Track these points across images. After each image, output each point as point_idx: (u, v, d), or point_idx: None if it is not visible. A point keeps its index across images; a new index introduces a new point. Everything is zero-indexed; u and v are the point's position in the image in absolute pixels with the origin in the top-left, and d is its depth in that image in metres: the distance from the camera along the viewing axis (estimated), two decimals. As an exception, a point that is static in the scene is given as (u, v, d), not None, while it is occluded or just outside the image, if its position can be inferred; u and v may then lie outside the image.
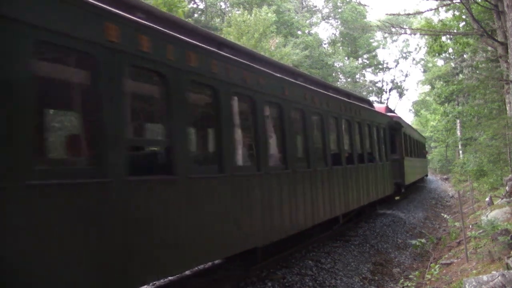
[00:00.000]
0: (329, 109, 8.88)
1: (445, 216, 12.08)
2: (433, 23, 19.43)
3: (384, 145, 13.21)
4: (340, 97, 9.86)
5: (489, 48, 17.94)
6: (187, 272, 6.65)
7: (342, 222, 10.06)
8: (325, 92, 8.96)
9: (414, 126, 40.39)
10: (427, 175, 32.57)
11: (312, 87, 8.27)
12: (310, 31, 43.69)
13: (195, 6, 35.99)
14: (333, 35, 52.16)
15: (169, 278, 6.26)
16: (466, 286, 4.96)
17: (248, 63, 5.94)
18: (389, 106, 23.67)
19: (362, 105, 11.62)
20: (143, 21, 4.12)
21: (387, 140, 13.77)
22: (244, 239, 5.43)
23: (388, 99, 55.35)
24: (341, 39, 50.19)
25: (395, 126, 16.04)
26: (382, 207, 14.98)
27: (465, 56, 23.89)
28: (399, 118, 18.48)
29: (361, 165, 10.56)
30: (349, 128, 10.00)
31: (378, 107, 16.18)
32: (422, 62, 53.80)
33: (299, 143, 7.74)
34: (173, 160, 4.39)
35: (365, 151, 10.89)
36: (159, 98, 4.77)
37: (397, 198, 17.38)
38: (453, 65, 28.27)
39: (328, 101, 8.83)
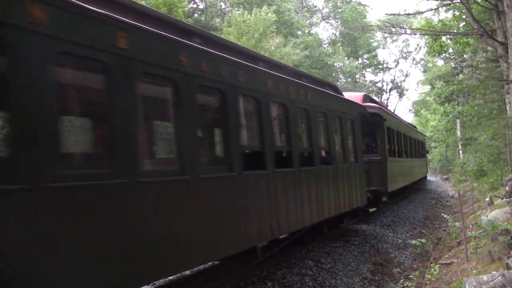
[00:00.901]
0: (242, 84, 5.85)
1: (445, 216, 12.09)
2: (433, 23, 19.42)
3: (352, 142, 10.05)
4: (270, 71, 6.73)
5: (489, 48, 17.93)
6: (187, 272, 6.66)
7: (262, 257, 6.96)
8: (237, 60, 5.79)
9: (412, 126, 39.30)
10: (426, 177, 30.47)
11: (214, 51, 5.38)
12: (310, 31, 43.69)
13: (195, 6, 36.01)
14: (333, 35, 52.22)
15: (169, 278, 6.26)
16: (466, 286, 4.96)
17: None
18: (374, 98, 18.32)
19: (313, 86, 8.25)
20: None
21: (358, 135, 10.33)
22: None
23: (388, 99, 55.41)
24: (341, 39, 50.21)
25: (372, 118, 12.56)
26: (361, 220, 12.19)
27: (465, 56, 23.89)
28: (382, 109, 14.42)
29: (307, 169, 7.46)
30: (285, 116, 6.93)
31: (353, 95, 12.86)
32: (422, 62, 53.83)
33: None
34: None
35: (315, 149, 7.86)
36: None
37: (372, 210, 13.54)
38: (453, 65, 28.27)
39: (239, 71, 5.72)
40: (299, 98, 7.39)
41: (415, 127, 28.34)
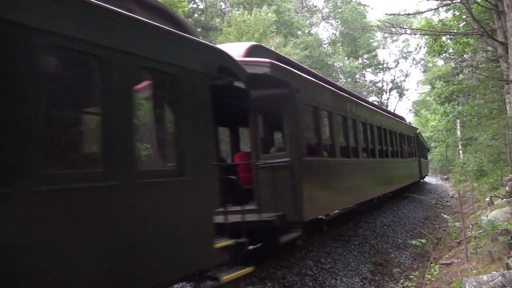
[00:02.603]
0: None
1: (445, 216, 12.11)
2: (433, 23, 19.43)
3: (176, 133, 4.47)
4: None
5: (489, 48, 17.92)
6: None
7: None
8: None
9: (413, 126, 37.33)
10: (419, 181, 24.33)
11: None
12: (310, 31, 43.71)
13: (195, 6, 35.99)
14: (333, 35, 52.23)
15: (169, 278, 6.25)
16: (466, 286, 4.96)
17: None
18: (283, 56, 9.40)
19: None
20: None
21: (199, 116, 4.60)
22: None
23: (388, 99, 55.42)
24: (341, 39, 50.24)
25: (268, 88, 7.05)
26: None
27: (465, 56, 23.87)
28: (294, 74, 7.50)
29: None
30: None
31: (236, 46, 8.17)
32: (422, 62, 53.86)
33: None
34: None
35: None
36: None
37: (226, 280, 5.12)
38: (453, 65, 28.25)
39: None
40: None
41: (403, 119, 21.79)
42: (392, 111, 34.77)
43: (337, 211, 10.49)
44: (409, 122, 23.95)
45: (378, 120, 13.02)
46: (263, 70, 6.47)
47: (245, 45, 7.59)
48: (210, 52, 4.76)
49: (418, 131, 23.91)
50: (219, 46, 7.06)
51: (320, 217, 8.40)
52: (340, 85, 16.19)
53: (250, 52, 7.17)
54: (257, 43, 8.80)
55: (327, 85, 9.28)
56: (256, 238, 6.47)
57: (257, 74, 6.34)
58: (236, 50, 6.96)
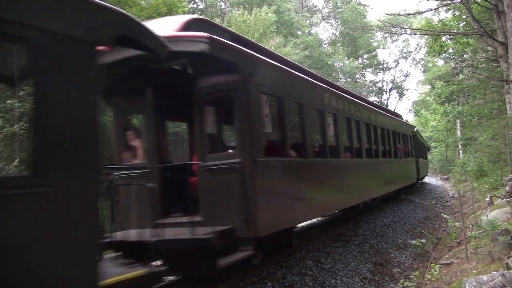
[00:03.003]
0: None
1: (445, 216, 12.11)
2: (433, 23, 19.43)
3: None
4: None
5: (489, 48, 17.92)
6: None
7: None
8: None
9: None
10: (418, 182, 23.63)
11: None
12: (310, 31, 43.71)
13: (195, 6, 35.98)
14: (333, 35, 52.23)
15: (169, 278, 6.26)
16: (466, 286, 4.96)
17: None
18: (234, 33, 7.52)
19: None
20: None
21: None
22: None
23: (388, 99, 55.43)
24: (341, 39, 50.24)
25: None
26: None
27: (465, 56, 23.88)
28: (246, 55, 5.96)
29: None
30: None
31: (172, 20, 6.60)
32: (422, 62, 53.88)
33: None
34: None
35: None
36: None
37: None
38: (453, 65, 28.25)
39: None
40: None
41: (399, 116, 20.58)
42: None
43: (312, 220, 9.40)
44: (406, 120, 22.47)
45: (367, 116, 11.66)
46: (199, 47, 4.97)
47: (183, 18, 6.12)
48: (101, 14, 3.21)
49: (415, 129, 22.65)
50: (152, 20, 6.45)
51: (288, 227, 6.83)
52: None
53: (189, 26, 5.63)
54: (201, 17, 7.16)
55: (297, 72, 7.79)
56: (181, 262, 5.37)
57: (191, 52, 5.04)
58: (170, 24, 5.75)
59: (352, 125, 10.24)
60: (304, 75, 8.38)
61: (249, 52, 6.04)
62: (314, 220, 11.31)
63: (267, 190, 5.97)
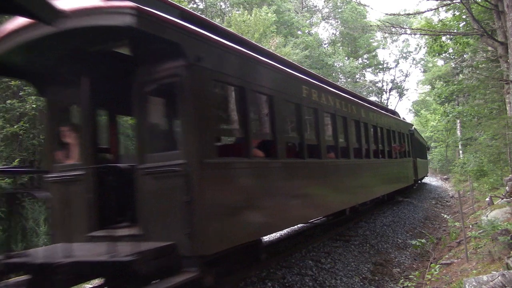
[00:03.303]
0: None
1: (445, 216, 12.10)
2: (433, 23, 19.44)
3: None
4: None
5: (489, 48, 17.94)
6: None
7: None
8: None
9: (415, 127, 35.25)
10: (416, 183, 22.06)
11: None
12: (310, 31, 43.71)
13: (195, 6, 35.99)
14: (333, 35, 52.24)
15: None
16: (466, 286, 4.96)
17: None
18: (185, 10, 5.65)
19: None
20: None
21: None
22: None
23: (388, 99, 55.45)
24: (341, 39, 50.28)
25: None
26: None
27: (465, 56, 23.90)
28: (191, 32, 4.78)
29: None
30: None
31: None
32: (422, 62, 53.96)
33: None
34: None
35: None
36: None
37: None
38: (453, 65, 28.28)
39: None
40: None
41: (395, 113, 19.31)
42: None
43: (283, 231, 8.23)
44: (403, 118, 21.15)
45: (356, 113, 10.53)
46: (123, 20, 3.91)
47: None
48: None
49: (413, 127, 21.26)
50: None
51: (251, 241, 5.62)
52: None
53: None
54: None
55: (264, 58, 6.45)
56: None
57: (114, 27, 3.99)
58: None
59: (338, 122, 9.16)
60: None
61: (196, 30, 4.85)
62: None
63: (221, 198, 4.89)
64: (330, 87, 9.61)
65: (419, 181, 24.81)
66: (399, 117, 19.61)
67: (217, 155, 5.04)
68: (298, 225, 10.68)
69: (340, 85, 12.30)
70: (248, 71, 5.90)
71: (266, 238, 9.61)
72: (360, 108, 11.11)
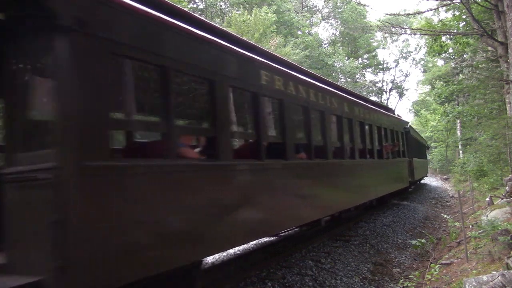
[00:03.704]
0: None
1: (445, 216, 12.09)
2: (433, 23, 19.46)
3: None
4: None
5: (489, 48, 17.95)
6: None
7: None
8: None
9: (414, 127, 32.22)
10: (411, 186, 20.49)
11: None
12: (310, 31, 43.72)
13: (195, 6, 36.00)
14: (333, 35, 52.25)
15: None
16: (466, 286, 4.96)
17: None
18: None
19: None
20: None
21: None
22: None
23: (388, 99, 55.46)
24: (341, 39, 50.29)
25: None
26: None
27: (465, 56, 23.91)
28: None
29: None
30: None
31: None
32: (422, 62, 53.98)
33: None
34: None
35: None
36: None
37: None
38: (453, 65, 28.28)
39: None
40: None
41: (389, 110, 17.81)
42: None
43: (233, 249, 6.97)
44: (398, 115, 19.56)
45: (338, 107, 9.01)
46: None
47: None
48: None
49: (409, 125, 19.56)
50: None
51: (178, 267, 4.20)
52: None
53: None
54: None
55: (208, 35, 4.82)
56: None
57: None
58: None
59: (312, 117, 7.59)
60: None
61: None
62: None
63: (114, 216, 3.42)
64: (303, 74, 7.86)
65: (417, 182, 23.70)
66: (394, 114, 18.08)
67: (110, 156, 3.55)
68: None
69: (324, 78, 10.22)
70: (172, 46, 4.26)
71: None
72: (344, 102, 9.63)
